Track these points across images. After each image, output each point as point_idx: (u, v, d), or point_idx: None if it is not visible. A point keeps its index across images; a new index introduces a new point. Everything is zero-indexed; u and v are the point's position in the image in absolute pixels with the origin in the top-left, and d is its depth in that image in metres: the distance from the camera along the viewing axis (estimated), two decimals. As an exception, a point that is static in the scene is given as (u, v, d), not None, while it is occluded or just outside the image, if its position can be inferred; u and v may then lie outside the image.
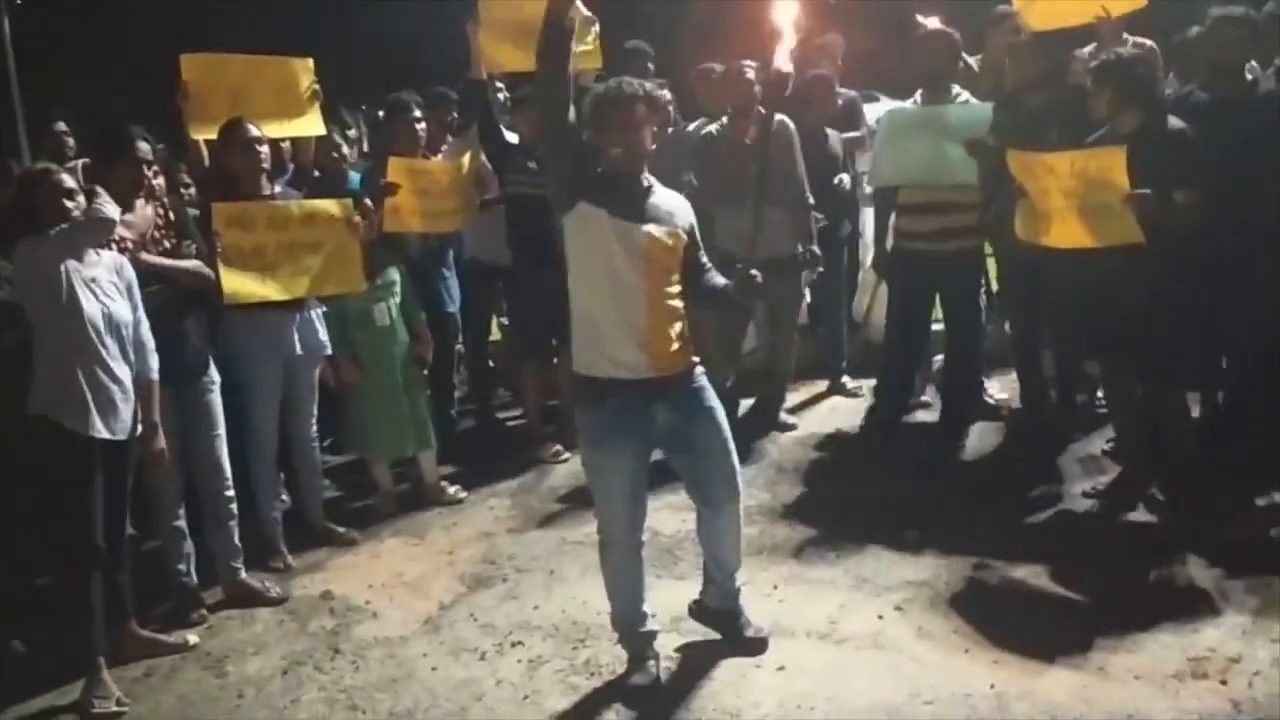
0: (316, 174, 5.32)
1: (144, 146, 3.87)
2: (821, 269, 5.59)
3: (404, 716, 3.32)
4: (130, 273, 3.61)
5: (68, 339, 3.40)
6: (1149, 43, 4.70)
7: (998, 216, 4.81)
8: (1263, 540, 4.01)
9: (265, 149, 4.34)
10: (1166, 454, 4.35)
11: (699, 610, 3.60)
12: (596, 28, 5.31)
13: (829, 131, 5.84)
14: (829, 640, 3.57)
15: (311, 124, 4.95)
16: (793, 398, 6.04)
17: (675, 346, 3.23)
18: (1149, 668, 3.26)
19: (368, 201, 4.59)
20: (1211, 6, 4.36)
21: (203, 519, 4.13)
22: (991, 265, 5.50)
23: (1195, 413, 4.70)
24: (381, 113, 5.78)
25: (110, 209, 3.47)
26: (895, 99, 6.23)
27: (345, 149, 5.43)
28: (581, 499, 4.58)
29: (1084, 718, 3.06)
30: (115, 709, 3.43)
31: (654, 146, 3.25)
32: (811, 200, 5.39)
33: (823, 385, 6.33)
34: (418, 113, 5.22)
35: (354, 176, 5.39)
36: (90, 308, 3.42)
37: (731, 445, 3.36)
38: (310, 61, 4.89)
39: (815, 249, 5.37)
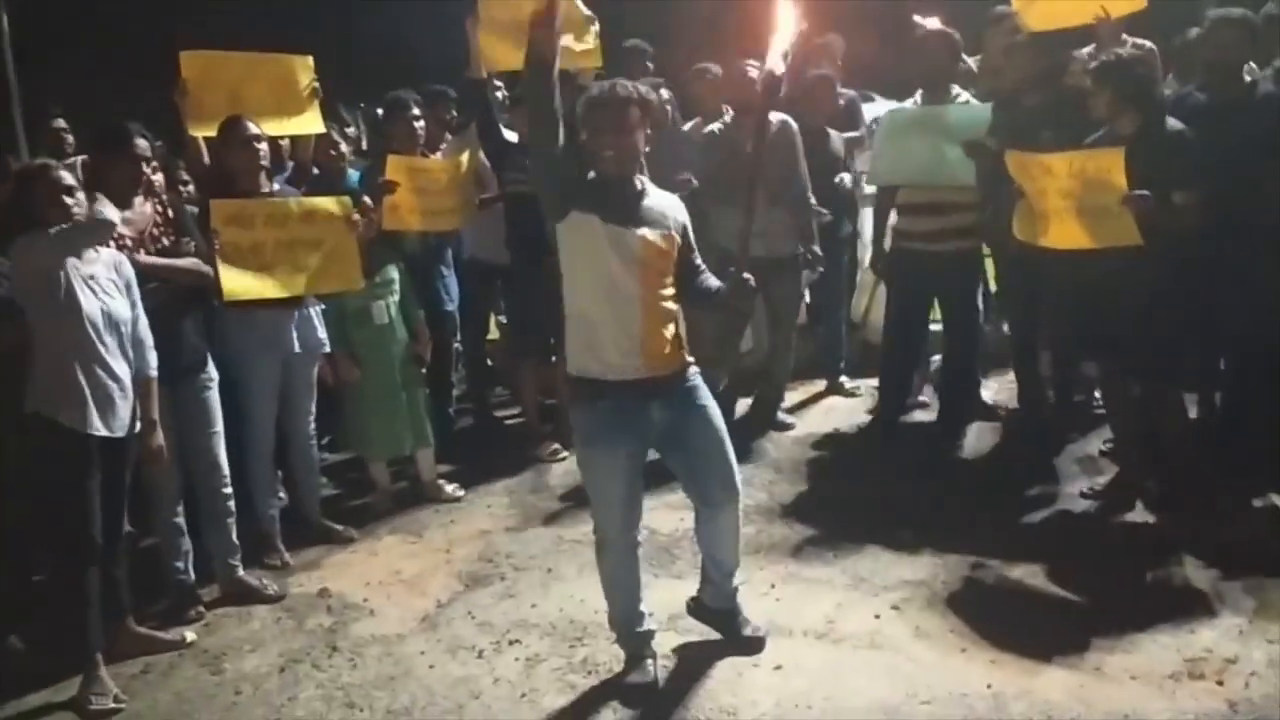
0: (315, 172, 5.32)
1: (142, 143, 3.86)
2: (822, 269, 5.60)
3: (401, 714, 3.32)
4: (129, 270, 3.61)
5: (66, 336, 3.40)
6: (1148, 44, 4.71)
7: (994, 217, 4.82)
8: (1260, 541, 4.02)
9: (264, 146, 4.33)
10: (1164, 455, 4.36)
11: (696, 608, 3.60)
12: (596, 26, 5.31)
13: (831, 131, 5.84)
14: (826, 639, 3.57)
15: (311, 122, 4.94)
16: (791, 397, 6.04)
17: (669, 347, 3.24)
18: (1146, 668, 3.27)
19: (367, 199, 4.59)
20: (1210, 8, 4.37)
21: (200, 516, 4.13)
22: (990, 266, 5.50)
23: (1193, 414, 4.71)
24: (380, 111, 5.78)
25: (110, 211, 3.45)
26: (889, 99, 6.24)
27: (344, 147, 5.43)
28: (579, 498, 4.57)
29: (1080, 718, 3.06)
30: (112, 706, 3.43)
31: (648, 149, 3.24)
32: (814, 201, 5.39)
33: (821, 385, 6.34)
34: (416, 111, 5.22)
35: (353, 174, 5.39)
36: (89, 305, 3.41)
37: (728, 445, 3.35)
38: (310, 59, 4.89)
39: (817, 249, 5.38)
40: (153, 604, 4.01)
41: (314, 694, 3.46)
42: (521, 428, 5.88)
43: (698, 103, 6.04)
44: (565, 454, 5.35)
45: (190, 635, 3.85)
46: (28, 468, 3.55)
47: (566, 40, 5.22)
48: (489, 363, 6.29)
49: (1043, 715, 3.08)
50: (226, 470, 4.14)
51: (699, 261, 3.37)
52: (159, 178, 4.20)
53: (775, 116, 5.24)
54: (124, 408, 3.52)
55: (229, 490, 4.15)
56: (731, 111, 5.41)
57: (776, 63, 3.18)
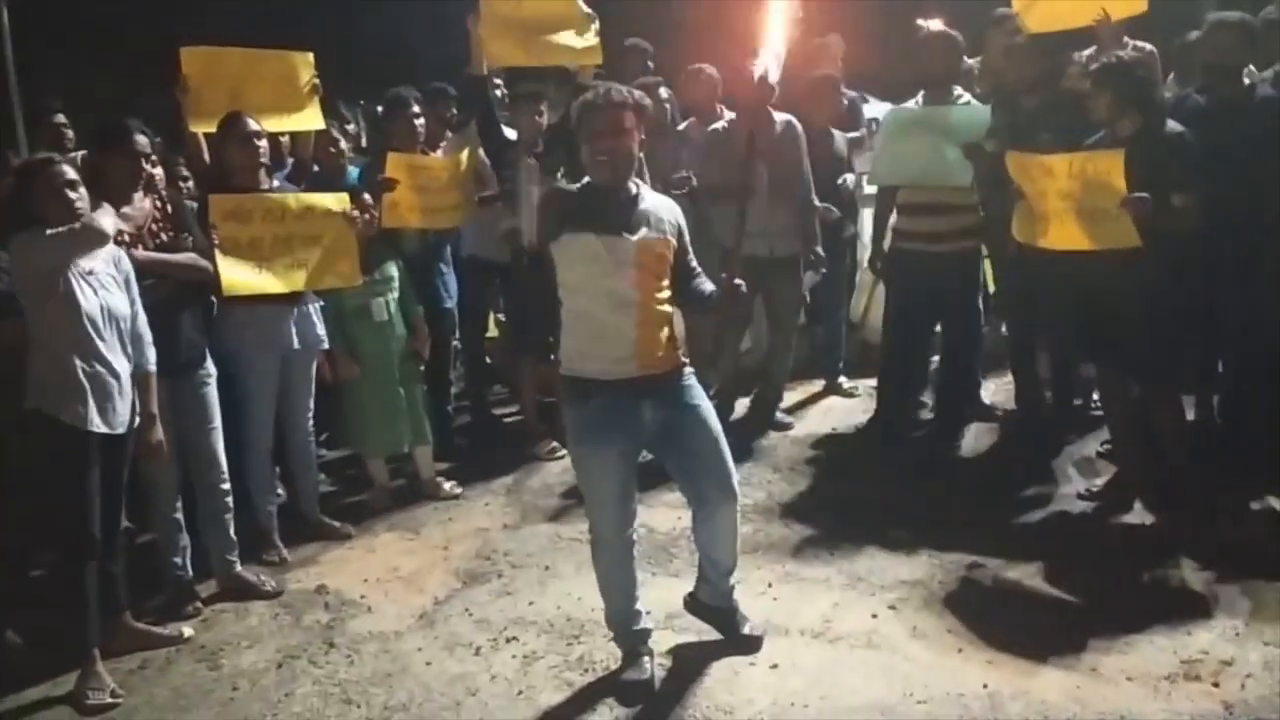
0: (315, 168, 5.32)
1: (142, 139, 3.85)
2: (825, 270, 5.60)
3: (398, 710, 3.33)
4: (128, 265, 3.61)
5: (65, 332, 3.39)
6: (1149, 46, 4.72)
7: (992, 219, 4.82)
8: (1257, 543, 4.02)
9: (264, 143, 4.34)
10: (1162, 456, 4.36)
11: (694, 604, 3.60)
12: (596, 24, 5.31)
13: (834, 132, 5.84)
14: (823, 639, 3.57)
15: (311, 118, 4.94)
16: (789, 397, 6.04)
17: (664, 349, 3.25)
18: (1142, 669, 3.27)
19: (366, 196, 4.59)
20: (1209, 11, 4.37)
21: (198, 512, 4.13)
22: (988, 267, 5.51)
23: (1191, 415, 4.71)
24: (380, 108, 5.77)
25: (107, 221, 3.44)
26: (885, 100, 6.25)
27: (344, 144, 5.43)
28: (576, 495, 4.56)
29: (1076, 718, 3.07)
30: (109, 701, 3.43)
31: (642, 155, 3.24)
32: (818, 202, 5.39)
33: (819, 385, 6.34)
34: (416, 108, 5.21)
35: (352, 171, 5.39)
36: (88, 301, 3.41)
37: (724, 445, 3.34)
38: (310, 56, 4.89)
39: (820, 250, 5.38)
40: (150, 599, 4.01)
41: (311, 690, 3.46)
42: (520, 426, 5.88)
43: (692, 103, 6.04)
44: (563, 452, 5.34)
45: (188, 631, 3.85)
46: (27, 464, 3.55)
47: (567, 38, 5.24)
48: (487, 360, 6.29)
49: (1039, 715, 3.08)
50: (225, 466, 4.14)
51: (694, 264, 3.37)
52: (159, 173, 4.19)
53: (780, 116, 5.24)
54: (123, 404, 3.52)
55: (227, 486, 4.16)
56: (731, 112, 5.41)
57: (768, 68, 3.18)
